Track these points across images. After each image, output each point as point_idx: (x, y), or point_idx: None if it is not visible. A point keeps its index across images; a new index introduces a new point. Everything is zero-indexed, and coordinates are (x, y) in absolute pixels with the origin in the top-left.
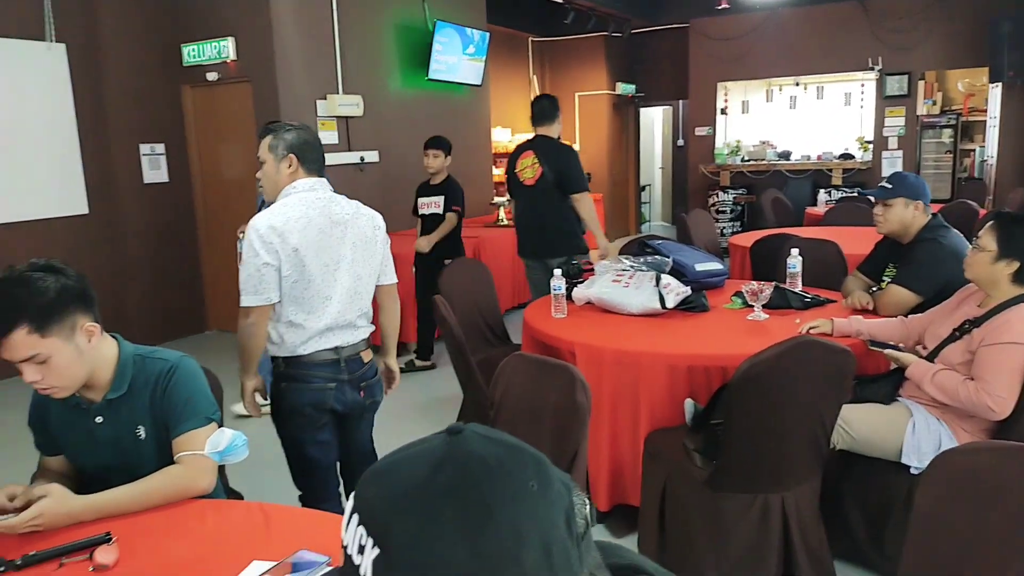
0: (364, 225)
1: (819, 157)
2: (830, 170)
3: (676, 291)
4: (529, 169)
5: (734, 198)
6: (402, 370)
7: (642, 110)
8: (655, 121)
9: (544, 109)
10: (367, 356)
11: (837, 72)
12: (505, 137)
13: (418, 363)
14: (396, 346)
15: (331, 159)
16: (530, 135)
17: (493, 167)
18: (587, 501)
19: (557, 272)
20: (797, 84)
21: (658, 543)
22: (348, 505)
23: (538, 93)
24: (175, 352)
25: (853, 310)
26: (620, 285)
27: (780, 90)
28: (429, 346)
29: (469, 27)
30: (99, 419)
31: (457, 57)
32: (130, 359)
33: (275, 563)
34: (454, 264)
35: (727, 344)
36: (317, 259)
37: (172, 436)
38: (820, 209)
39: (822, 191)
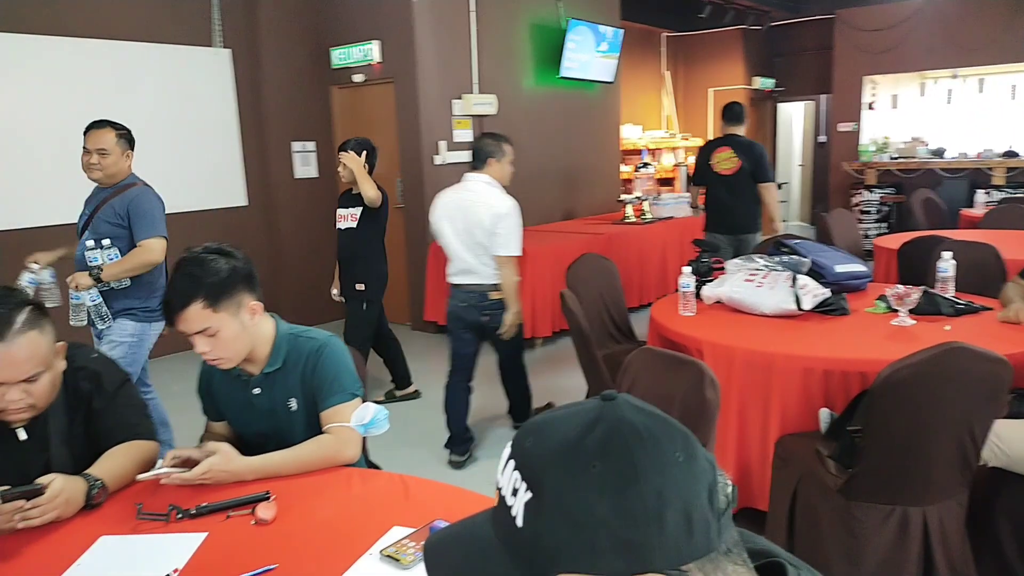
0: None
1: (978, 155)
2: (990, 169)
3: (814, 292)
4: (726, 161)
5: (880, 198)
6: (382, 401)
7: (780, 105)
8: (794, 117)
9: (737, 112)
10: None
11: (1001, 63)
12: (635, 134)
13: (398, 393)
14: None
15: (463, 156)
16: (661, 132)
17: (621, 164)
18: (729, 482)
19: (686, 270)
20: (955, 76)
21: (787, 549)
22: (505, 452)
23: (670, 89)
24: (324, 332)
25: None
26: (753, 284)
27: (935, 83)
28: (404, 373)
29: (602, 24)
30: (257, 391)
31: (589, 55)
32: (285, 337)
33: (414, 529)
34: (581, 259)
35: (868, 349)
36: None
37: (320, 409)
38: (978, 211)
39: (980, 192)
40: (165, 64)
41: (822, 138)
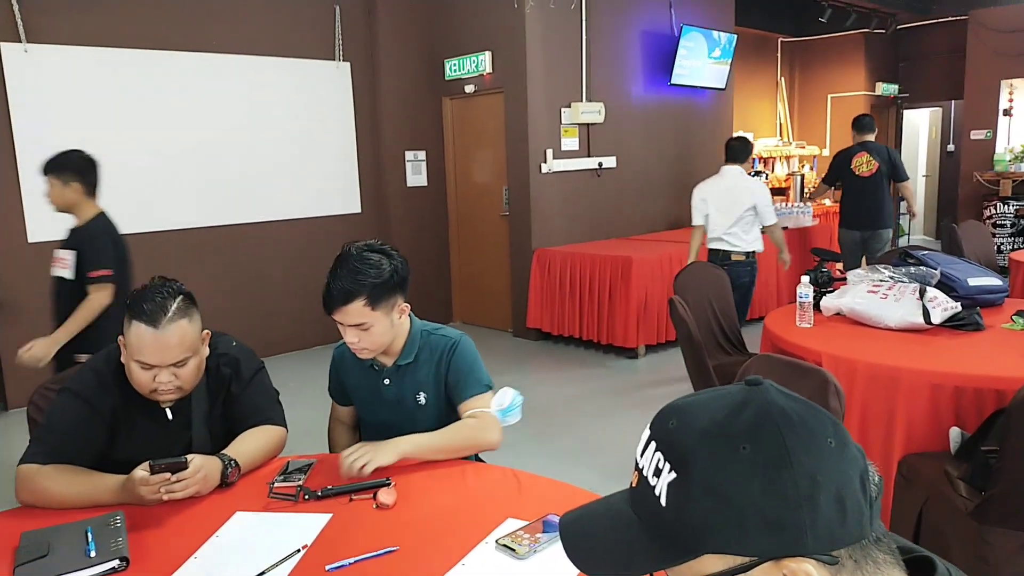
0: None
1: None
2: None
3: (944, 306)
4: (865, 164)
5: (1016, 210)
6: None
7: (906, 112)
8: (921, 125)
9: (868, 123)
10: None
11: None
12: None
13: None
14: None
15: (570, 164)
16: (775, 140)
17: None
18: (877, 472)
19: (804, 279)
20: None
21: None
22: (645, 434)
23: (785, 95)
24: (455, 330)
25: None
26: (877, 296)
27: None
28: None
29: (716, 30)
30: (387, 381)
31: (701, 61)
32: (419, 333)
33: (527, 522)
34: (691, 267)
35: (1005, 366)
36: None
37: (459, 402)
38: None
39: None
40: (291, 77)
41: (951, 147)
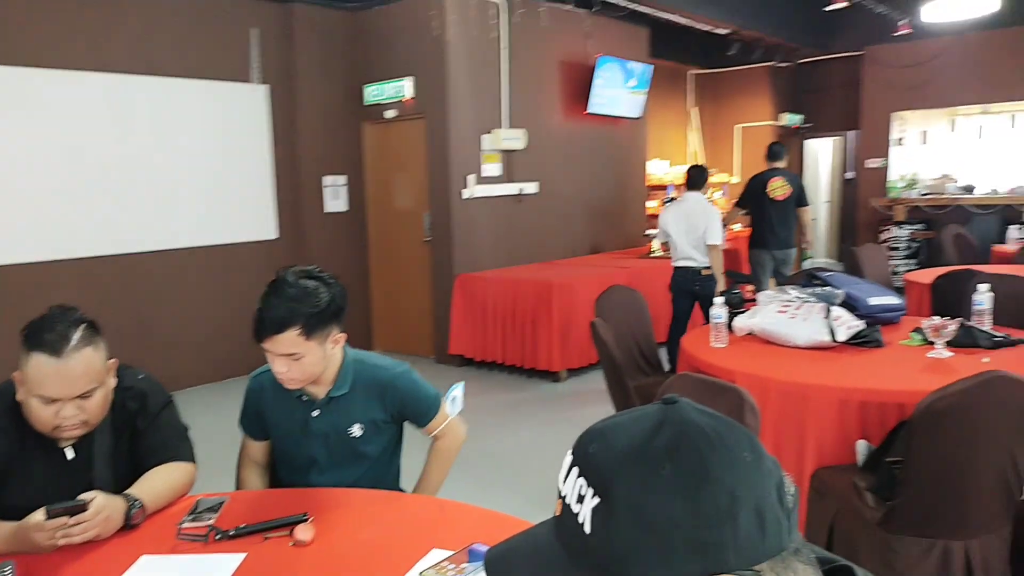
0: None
1: (1010, 191)
2: (1022, 205)
3: (848, 324)
4: (780, 189)
5: (910, 234)
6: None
7: (808, 141)
8: (821, 153)
9: (781, 151)
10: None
11: None
12: (662, 169)
13: None
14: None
15: (492, 190)
16: (686, 166)
17: (648, 199)
18: (792, 483)
19: (718, 300)
20: (985, 112)
21: None
22: (567, 460)
23: (697, 125)
24: (386, 359)
25: None
26: (786, 316)
27: (966, 119)
28: None
29: (631, 61)
30: (316, 413)
31: (618, 91)
32: (351, 363)
33: (452, 552)
34: (610, 291)
35: (905, 380)
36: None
37: (422, 426)
38: (1010, 246)
39: (1013, 227)
40: (204, 99)
41: (850, 174)
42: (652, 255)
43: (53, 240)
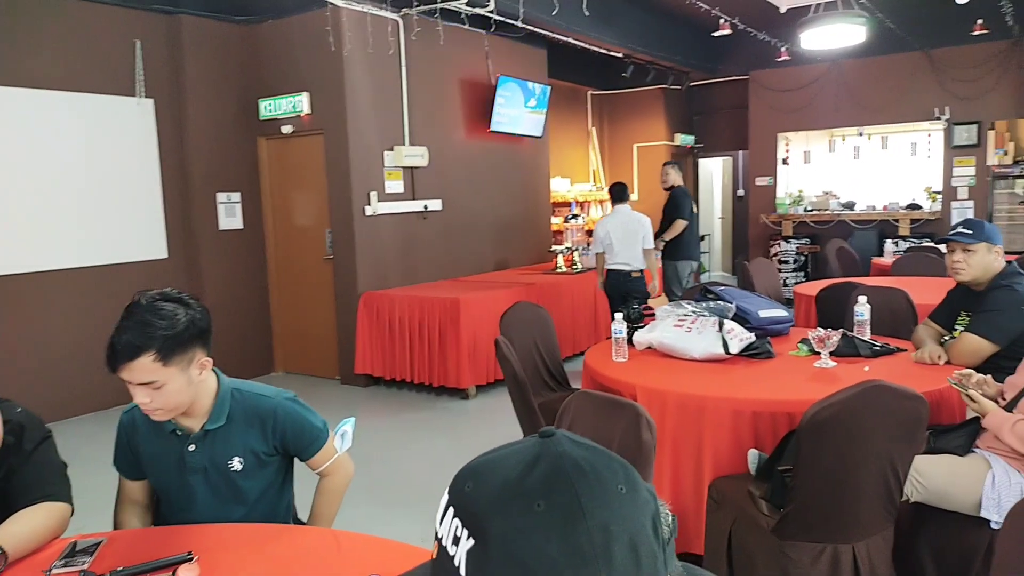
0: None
1: (885, 207)
2: (896, 220)
3: (740, 337)
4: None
5: (797, 248)
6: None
7: (701, 161)
8: (714, 172)
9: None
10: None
11: (902, 122)
12: (564, 187)
13: None
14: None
15: (396, 207)
16: (589, 185)
17: (552, 216)
18: (669, 512)
19: (618, 316)
20: (860, 134)
21: None
22: (443, 500)
23: (596, 144)
24: (268, 387)
25: (924, 364)
26: (682, 330)
27: (843, 140)
28: None
29: (531, 81)
30: (192, 447)
31: (519, 110)
32: (228, 392)
33: None
34: (515, 307)
35: (794, 390)
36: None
37: (306, 459)
38: (887, 259)
39: (889, 242)
40: (84, 113)
41: (741, 192)
42: (558, 271)
43: None
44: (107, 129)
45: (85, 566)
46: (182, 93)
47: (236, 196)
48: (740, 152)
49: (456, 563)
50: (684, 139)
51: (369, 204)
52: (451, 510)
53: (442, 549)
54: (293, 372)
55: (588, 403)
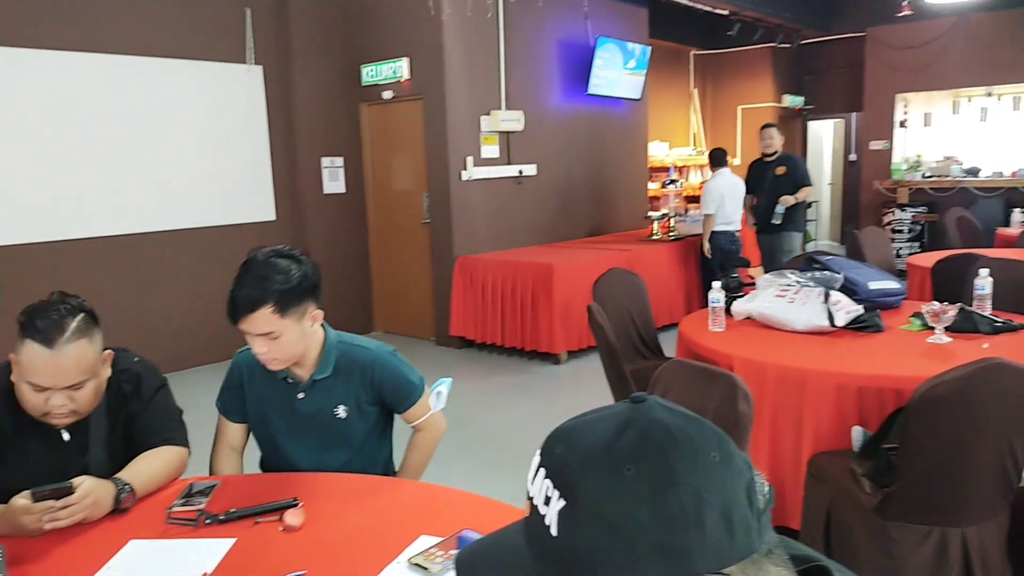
0: None
1: (1013, 174)
2: None
3: (847, 309)
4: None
5: (913, 216)
6: None
7: (810, 123)
8: (824, 135)
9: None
10: None
11: None
12: (662, 152)
13: None
14: None
15: (491, 172)
16: (689, 149)
17: (649, 181)
18: (766, 482)
19: (716, 284)
20: (989, 95)
21: None
22: (535, 460)
23: (698, 106)
24: (370, 341)
25: None
26: (784, 300)
27: (969, 101)
28: None
29: (631, 42)
30: (301, 395)
31: (617, 72)
32: (335, 344)
33: (442, 538)
34: (609, 274)
35: (904, 366)
36: None
37: (401, 411)
38: (1014, 230)
39: (1017, 211)
40: (199, 80)
41: (853, 156)
42: (653, 238)
43: (50, 221)
44: (220, 96)
45: (202, 506)
46: (289, 60)
47: (339, 161)
48: (853, 114)
49: (547, 522)
50: (793, 100)
51: (465, 169)
52: (542, 471)
53: (534, 508)
54: (391, 332)
55: (682, 372)
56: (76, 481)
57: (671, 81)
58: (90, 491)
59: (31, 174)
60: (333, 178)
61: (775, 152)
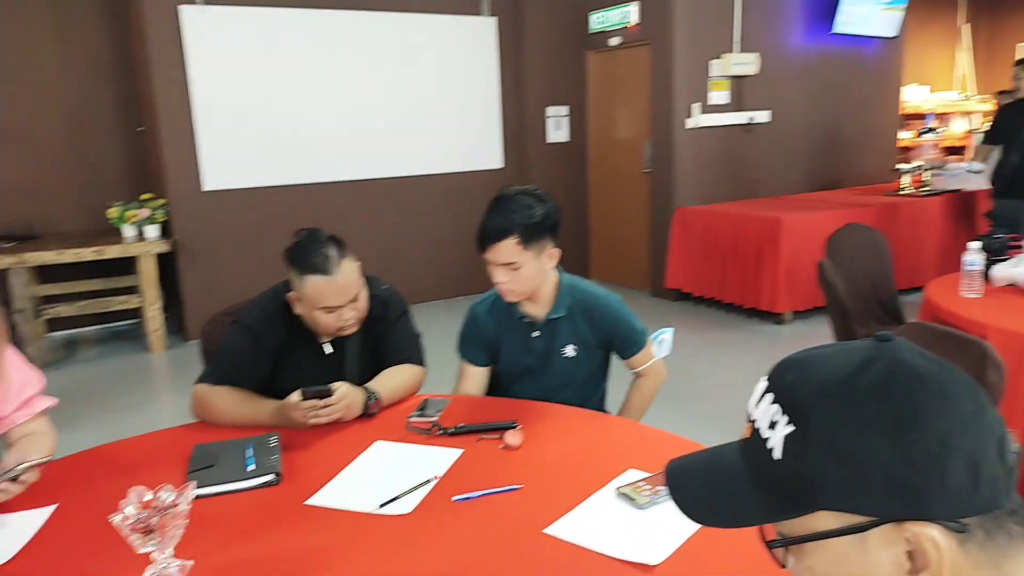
0: None
1: None
2: None
3: None
4: None
5: None
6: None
7: None
8: None
9: None
10: None
11: None
12: (920, 96)
13: None
14: None
15: (719, 119)
16: (954, 94)
17: (901, 130)
18: (1017, 441)
19: (974, 246)
20: None
21: None
22: (760, 386)
23: (969, 44)
24: (599, 287)
25: None
26: None
27: None
28: None
29: None
30: (536, 334)
31: (869, 7)
32: (568, 287)
33: (650, 474)
34: (845, 229)
35: None
36: None
37: (627, 357)
38: None
39: None
40: (438, 33)
41: None
42: (901, 192)
43: (314, 165)
44: (457, 48)
45: (435, 418)
46: (521, 10)
47: (564, 110)
48: None
49: (770, 446)
50: None
51: (690, 116)
52: (770, 395)
53: (755, 431)
54: (606, 280)
55: (923, 335)
56: (335, 385)
57: (935, 15)
58: (346, 395)
59: (295, 123)
60: (557, 127)
61: None
